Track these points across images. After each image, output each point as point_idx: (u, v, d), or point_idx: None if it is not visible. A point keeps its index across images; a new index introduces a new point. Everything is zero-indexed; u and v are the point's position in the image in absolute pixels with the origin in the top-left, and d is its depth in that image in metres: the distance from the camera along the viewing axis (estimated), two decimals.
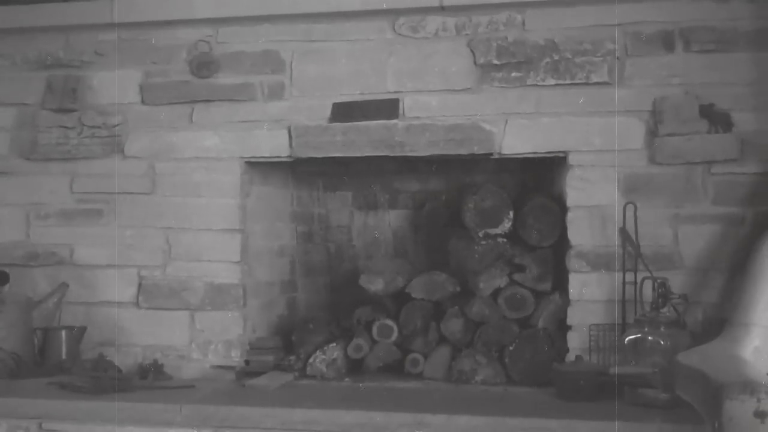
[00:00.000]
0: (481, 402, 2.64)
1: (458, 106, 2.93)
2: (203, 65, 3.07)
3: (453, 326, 3.00)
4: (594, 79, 2.85)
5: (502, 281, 3.01)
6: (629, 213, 2.77)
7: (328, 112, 2.99)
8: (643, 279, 2.71)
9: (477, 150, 2.92)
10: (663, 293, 2.61)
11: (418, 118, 2.94)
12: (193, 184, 3.09)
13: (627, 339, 2.62)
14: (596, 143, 2.84)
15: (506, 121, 2.90)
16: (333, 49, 2.99)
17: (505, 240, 3.04)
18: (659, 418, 2.35)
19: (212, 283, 3.06)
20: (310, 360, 3.00)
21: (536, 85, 2.88)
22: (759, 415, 1.79)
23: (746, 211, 2.75)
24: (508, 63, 2.90)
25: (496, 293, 3.00)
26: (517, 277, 3.02)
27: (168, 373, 2.99)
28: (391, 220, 3.47)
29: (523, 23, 2.90)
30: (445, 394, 2.78)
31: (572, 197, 2.86)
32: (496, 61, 2.90)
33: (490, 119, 2.91)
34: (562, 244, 2.95)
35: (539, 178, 3.18)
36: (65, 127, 3.22)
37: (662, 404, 2.43)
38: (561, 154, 2.89)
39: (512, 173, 3.28)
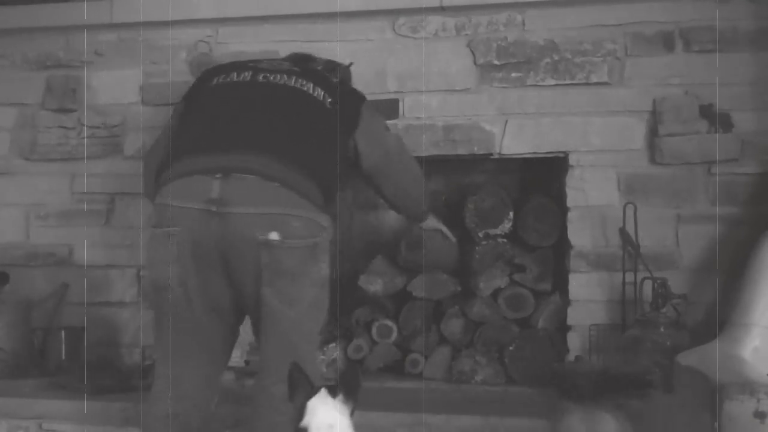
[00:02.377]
0: (481, 402, 2.64)
1: (458, 106, 2.93)
2: (203, 65, 3.07)
3: (453, 326, 3.00)
4: (594, 79, 2.85)
5: (502, 281, 3.01)
6: (629, 213, 2.77)
7: None
8: (643, 279, 2.71)
9: (477, 150, 2.92)
10: (663, 293, 2.62)
11: (418, 118, 2.94)
12: None
13: (627, 339, 2.62)
14: (596, 143, 2.84)
15: (506, 121, 2.90)
16: (333, 49, 2.99)
17: (505, 240, 3.04)
18: (659, 417, 2.35)
19: None
20: None
21: (536, 85, 2.89)
22: (759, 415, 1.79)
23: (746, 211, 2.75)
24: (508, 63, 2.90)
25: (496, 293, 3.00)
26: (517, 277, 3.02)
27: None
28: (391, 220, 3.46)
29: (523, 23, 2.91)
30: (445, 394, 2.78)
31: (572, 197, 2.86)
32: (496, 62, 2.91)
33: (490, 119, 2.91)
34: (562, 244, 2.95)
35: (539, 178, 3.18)
36: (65, 127, 3.22)
37: (662, 404, 2.43)
38: (561, 154, 2.89)
39: (512, 173, 3.28)
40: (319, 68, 2.41)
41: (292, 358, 1.90)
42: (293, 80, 2.17)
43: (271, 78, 2.17)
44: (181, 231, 1.95)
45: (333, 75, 2.42)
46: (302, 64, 2.36)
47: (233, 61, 2.45)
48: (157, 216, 2.02)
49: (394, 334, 3.05)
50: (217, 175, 1.93)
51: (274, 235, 1.91)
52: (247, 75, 2.20)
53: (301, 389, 1.74)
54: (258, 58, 2.42)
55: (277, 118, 2.09)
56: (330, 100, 2.16)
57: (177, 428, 2.10)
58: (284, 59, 2.48)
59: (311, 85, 2.17)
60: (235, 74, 2.21)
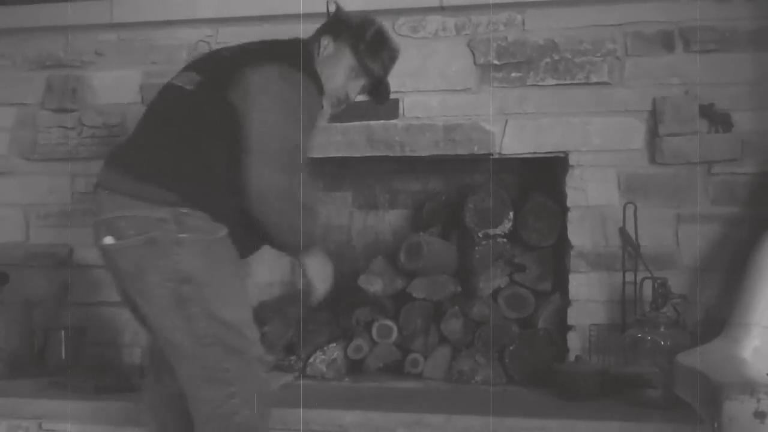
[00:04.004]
0: (481, 402, 2.64)
1: (458, 106, 2.93)
2: None
3: (453, 326, 3.00)
4: (594, 79, 2.85)
5: (502, 281, 3.01)
6: (629, 213, 2.77)
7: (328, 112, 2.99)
8: (643, 279, 2.71)
9: (477, 150, 2.92)
10: (663, 293, 2.61)
11: (418, 118, 2.94)
12: None
13: (626, 339, 2.62)
14: (596, 143, 2.84)
15: (506, 121, 2.90)
16: None
17: (505, 240, 3.04)
18: (659, 418, 2.35)
19: None
20: (310, 360, 3.00)
21: (536, 85, 2.88)
22: (759, 415, 1.79)
23: (746, 211, 2.75)
24: (508, 63, 2.90)
25: (496, 293, 3.00)
26: (517, 277, 3.02)
27: None
28: (391, 220, 3.46)
29: (523, 23, 2.91)
30: (445, 394, 2.78)
31: (572, 197, 2.86)
32: (496, 61, 2.91)
33: (490, 119, 2.91)
34: (562, 244, 2.95)
35: (539, 178, 3.18)
36: (65, 127, 3.22)
37: (662, 404, 2.43)
38: (561, 154, 2.89)
39: (512, 173, 3.28)
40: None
41: (178, 360, 1.98)
42: (176, 77, 2.13)
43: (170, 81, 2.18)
44: None
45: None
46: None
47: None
48: None
49: (394, 334, 3.05)
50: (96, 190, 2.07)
51: (108, 240, 1.98)
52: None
53: None
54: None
55: (136, 124, 2.13)
56: (199, 78, 2.05)
57: (172, 411, 2.14)
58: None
59: (185, 73, 2.10)
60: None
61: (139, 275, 1.95)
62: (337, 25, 2.26)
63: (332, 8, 2.28)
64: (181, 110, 2.04)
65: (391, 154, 2.98)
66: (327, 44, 2.23)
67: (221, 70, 2.05)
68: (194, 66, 2.15)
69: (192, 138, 1.99)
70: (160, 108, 2.10)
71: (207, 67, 2.10)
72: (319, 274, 2.13)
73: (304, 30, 2.99)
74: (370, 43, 2.25)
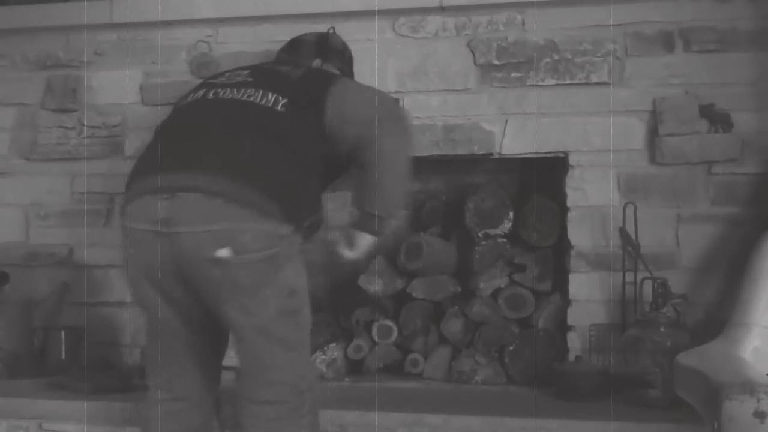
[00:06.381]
0: (481, 402, 2.64)
1: (458, 106, 2.93)
2: (203, 65, 3.07)
3: (453, 326, 3.00)
4: (594, 79, 2.85)
5: (502, 281, 3.01)
6: (629, 213, 2.77)
7: None
8: (643, 279, 2.71)
9: (477, 150, 2.92)
10: (663, 293, 2.62)
11: (418, 118, 2.94)
12: None
13: (626, 339, 2.62)
14: (596, 143, 2.84)
15: (506, 121, 2.90)
16: None
17: (505, 240, 3.04)
18: (659, 418, 2.35)
19: None
20: None
21: (536, 85, 2.88)
22: (758, 415, 1.79)
23: (746, 211, 2.75)
24: (508, 63, 2.90)
25: (496, 293, 3.01)
26: (517, 277, 3.02)
27: None
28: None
29: (523, 23, 2.91)
30: (445, 394, 2.78)
31: (572, 197, 2.86)
32: (496, 61, 2.91)
33: (490, 119, 2.91)
34: (562, 244, 2.95)
35: (539, 178, 3.18)
36: (65, 127, 3.22)
37: (662, 404, 2.43)
38: (561, 154, 2.89)
39: (512, 173, 3.28)
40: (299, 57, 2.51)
41: (269, 366, 1.99)
42: (241, 93, 2.12)
43: (221, 94, 2.15)
44: (135, 252, 2.01)
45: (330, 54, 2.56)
46: (273, 64, 2.44)
47: (207, 78, 2.46)
48: (121, 237, 2.07)
49: (394, 335, 3.05)
50: (164, 196, 1.93)
51: (223, 252, 1.88)
52: (200, 93, 2.20)
53: None
54: (233, 68, 2.37)
55: (223, 134, 2.05)
56: (285, 100, 2.10)
57: (178, 426, 2.14)
58: (281, 52, 2.61)
59: (261, 92, 2.12)
60: (194, 93, 2.23)
61: (255, 289, 1.94)
62: (324, 49, 2.55)
63: (331, 32, 2.65)
64: (273, 129, 2.06)
65: None
66: (319, 65, 2.50)
67: (302, 94, 2.15)
68: (266, 85, 2.15)
69: (287, 156, 2.04)
70: (244, 123, 2.06)
71: (285, 89, 2.15)
72: (364, 243, 2.26)
73: (302, 30, 3.02)
74: (350, 65, 2.63)
